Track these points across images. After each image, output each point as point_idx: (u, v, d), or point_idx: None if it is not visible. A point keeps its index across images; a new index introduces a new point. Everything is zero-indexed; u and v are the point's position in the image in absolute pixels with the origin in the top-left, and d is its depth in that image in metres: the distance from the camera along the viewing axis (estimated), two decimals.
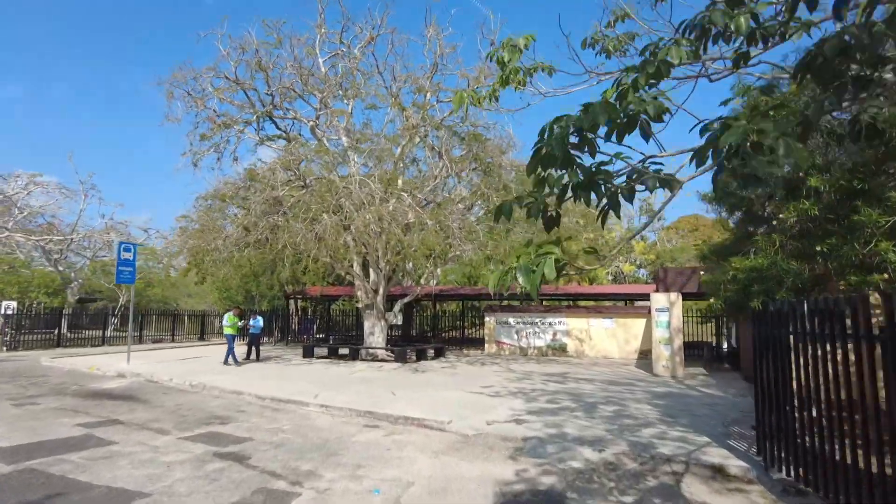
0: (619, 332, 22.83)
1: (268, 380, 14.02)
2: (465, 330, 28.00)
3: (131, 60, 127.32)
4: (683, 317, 22.44)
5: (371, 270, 21.14)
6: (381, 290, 20.78)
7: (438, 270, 22.57)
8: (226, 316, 18.07)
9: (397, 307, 21.37)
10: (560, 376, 15.73)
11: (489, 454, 7.32)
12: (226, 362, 17.37)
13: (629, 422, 9.23)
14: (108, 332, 28.84)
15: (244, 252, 16.22)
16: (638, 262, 33.43)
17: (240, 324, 19.44)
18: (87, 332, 28.55)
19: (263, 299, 31.39)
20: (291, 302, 30.97)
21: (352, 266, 20.53)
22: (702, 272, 16.37)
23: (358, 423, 9.23)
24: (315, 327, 29.69)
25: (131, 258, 16.99)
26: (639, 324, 22.68)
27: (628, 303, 27.56)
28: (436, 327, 26.89)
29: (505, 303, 27.25)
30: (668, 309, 16.60)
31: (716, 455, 7.05)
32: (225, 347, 17.83)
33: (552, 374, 16.39)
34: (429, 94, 16.95)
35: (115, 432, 8.24)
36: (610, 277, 33.55)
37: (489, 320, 24.52)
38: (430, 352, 21.42)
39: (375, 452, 7.32)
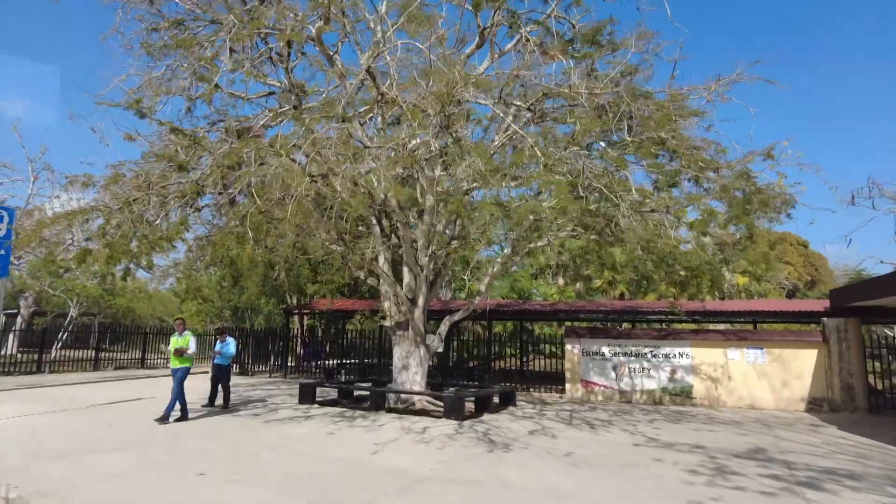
0: (773, 370, 15.14)
1: (195, 478, 6.69)
2: (525, 361, 20.41)
3: None
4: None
5: (405, 271, 13.82)
6: (420, 302, 13.41)
7: (484, 281, 14.98)
8: (173, 337, 10.84)
9: (443, 328, 13.97)
10: (772, 463, 8.17)
11: None
12: (165, 415, 10.17)
13: None
14: (53, 355, 21.85)
15: (187, 215, 9.00)
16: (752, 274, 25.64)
17: (216, 349, 12.30)
18: (45, 354, 21.50)
19: (257, 315, 24.22)
20: (295, 319, 23.74)
21: (375, 260, 13.23)
22: None
23: None
24: (325, 353, 22.33)
25: (2, 234, 9.89)
26: (804, 357, 14.99)
27: (757, 326, 19.76)
28: (489, 357, 19.32)
29: (594, 324, 19.68)
30: None
31: None
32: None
33: (741, 453, 8.86)
34: None
35: None
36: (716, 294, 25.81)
37: (572, 349, 16.96)
38: (495, 399, 13.86)
39: None
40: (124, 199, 8.34)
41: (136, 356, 23.54)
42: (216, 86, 8.65)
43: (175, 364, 10.53)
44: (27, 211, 8.65)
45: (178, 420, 10.29)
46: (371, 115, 8.97)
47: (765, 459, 8.43)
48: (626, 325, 23.26)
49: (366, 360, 21.97)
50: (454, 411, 11.47)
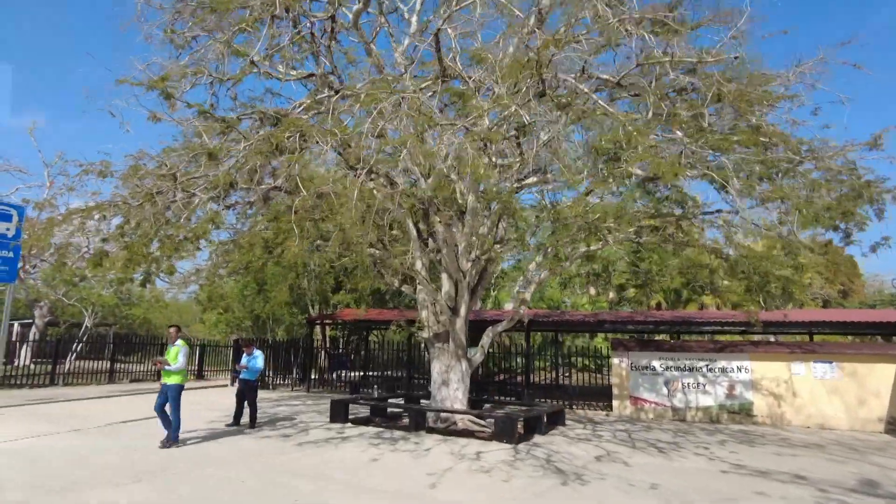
0: (845, 386, 13.81)
1: None
2: (565, 375, 19.16)
3: None
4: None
5: (444, 277, 12.72)
6: (462, 311, 12.31)
7: (530, 289, 13.76)
8: (171, 347, 9.26)
9: (486, 339, 12.82)
10: None
11: None
12: (173, 440, 8.97)
13: None
14: (67, 366, 20.94)
15: (218, 210, 7.87)
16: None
17: (242, 363, 11.26)
18: (59, 366, 20.47)
19: (279, 326, 23.17)
20: (317, 330, 22.66)
21: (413, 264, 12.13)
22: None
23: None
24: (350, 364, 21.21)
25: (11, 234, 8.93)
26: (882, 372, 13.66)
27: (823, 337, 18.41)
28: (528, 371, 18.03)
29: (641, 335, 18.43)
30: None
31: None
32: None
33: (854, 487, 7.63)
34: None
35: None
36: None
37: (619, 363, 15.72)
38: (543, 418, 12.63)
39: None
40: (145, 192, 7.31)
41: (153, 368, 22.58)
42: (252, 62, 7.64)
43: (163, 379, 9.16)
44: (38, 204, 7.71)
45: (173, 443, 8.94)
46: (433, 92, 7.86)
47: (889, 496, 7.17)
48: (658, 336, 22.00)
49: (387, 373, 20.85)
50: (506, 433, 10.30)
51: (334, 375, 21.51)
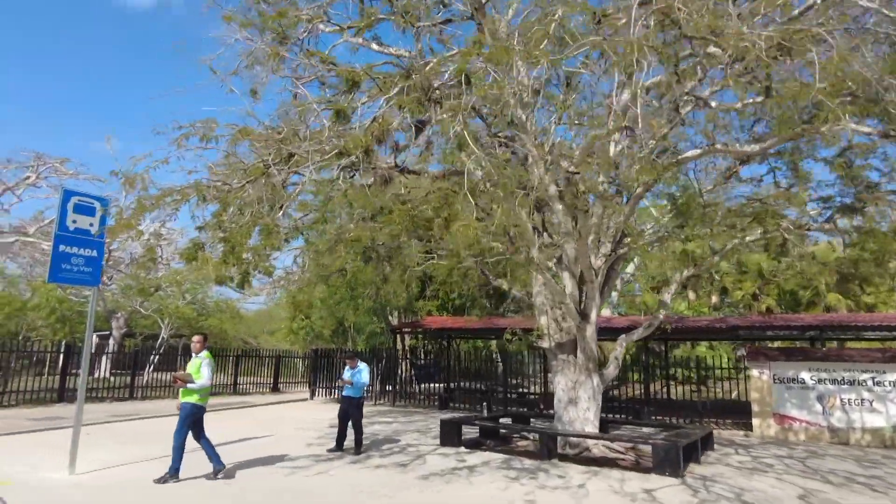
0: None
1: None
2: (669, 388, 16.97)
3: None
4: None
5: (565, 276, 10.93)
6: (592, 316, 10.46)
7: (670, 289, 11.94)
8: (195, 359, 7.61)
9: (620, 350, 10.94)
10: None
11: None
12: (170, 474, 7.21)
13: None
14: (145, 379, 20.29)
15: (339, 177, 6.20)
16: None
17: (345, 377, 9.80)
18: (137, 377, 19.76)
19: (360, 335, 21.81)
20: (398, 338, 21.27)
21: (532, 258, 10.41)
22: None
23: None
24: (440, 375, 19.66)
25: (94, 230, 7.78)
26: None
27: None
28: (648, 385, 15.83)
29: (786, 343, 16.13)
30: None
31: None
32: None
33: None
34: None
35: None
36: None
37: (760, 375, 13.50)
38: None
39: None
40: (254, 167, 5.91)
41: (227, 381, 21.68)
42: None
43: (181, 397, 7.54)
44: (127, 178, 6.59)
45: (165, 479, 7.16)
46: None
47: None
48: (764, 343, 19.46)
49: (465, 384, 19.18)
50: (669, 464, 8.41)
51: (417, 388, 20.07)
